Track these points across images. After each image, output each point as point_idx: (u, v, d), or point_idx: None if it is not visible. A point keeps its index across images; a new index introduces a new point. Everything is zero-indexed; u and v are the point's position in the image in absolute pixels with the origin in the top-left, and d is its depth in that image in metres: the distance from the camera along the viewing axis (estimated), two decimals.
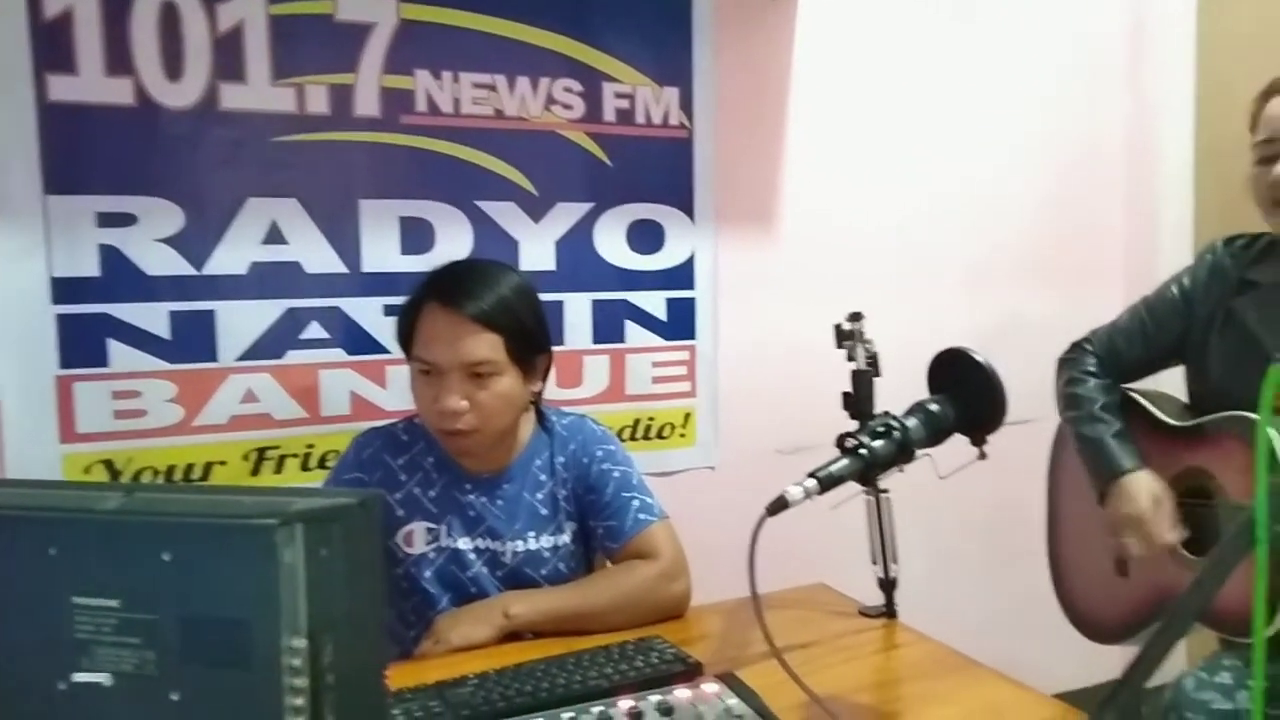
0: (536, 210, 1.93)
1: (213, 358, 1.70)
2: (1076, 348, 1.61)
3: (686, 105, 2.04)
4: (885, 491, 1.41)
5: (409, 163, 1.82)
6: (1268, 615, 1.22)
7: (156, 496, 0.79)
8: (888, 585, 1.41)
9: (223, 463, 1.72)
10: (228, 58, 1.67)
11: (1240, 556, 0.74)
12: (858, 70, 2.25)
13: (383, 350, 1.80)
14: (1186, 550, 1.39)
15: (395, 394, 1.80)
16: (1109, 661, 2.50)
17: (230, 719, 0.70)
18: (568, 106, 1.94)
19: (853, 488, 1.10)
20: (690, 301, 2.10)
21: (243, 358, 1.72)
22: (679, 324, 2.09)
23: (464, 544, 1.43)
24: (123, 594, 0.70)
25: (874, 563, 1.42)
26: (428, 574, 1.42)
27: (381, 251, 1.81)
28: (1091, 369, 1.54)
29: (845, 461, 1.00)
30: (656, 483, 2.06)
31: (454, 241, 1.85)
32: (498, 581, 1.44)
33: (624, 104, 1.99)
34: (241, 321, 1.72)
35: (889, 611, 1.41)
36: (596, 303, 2.00)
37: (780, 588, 1.55)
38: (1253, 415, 1.24)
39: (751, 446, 2.15)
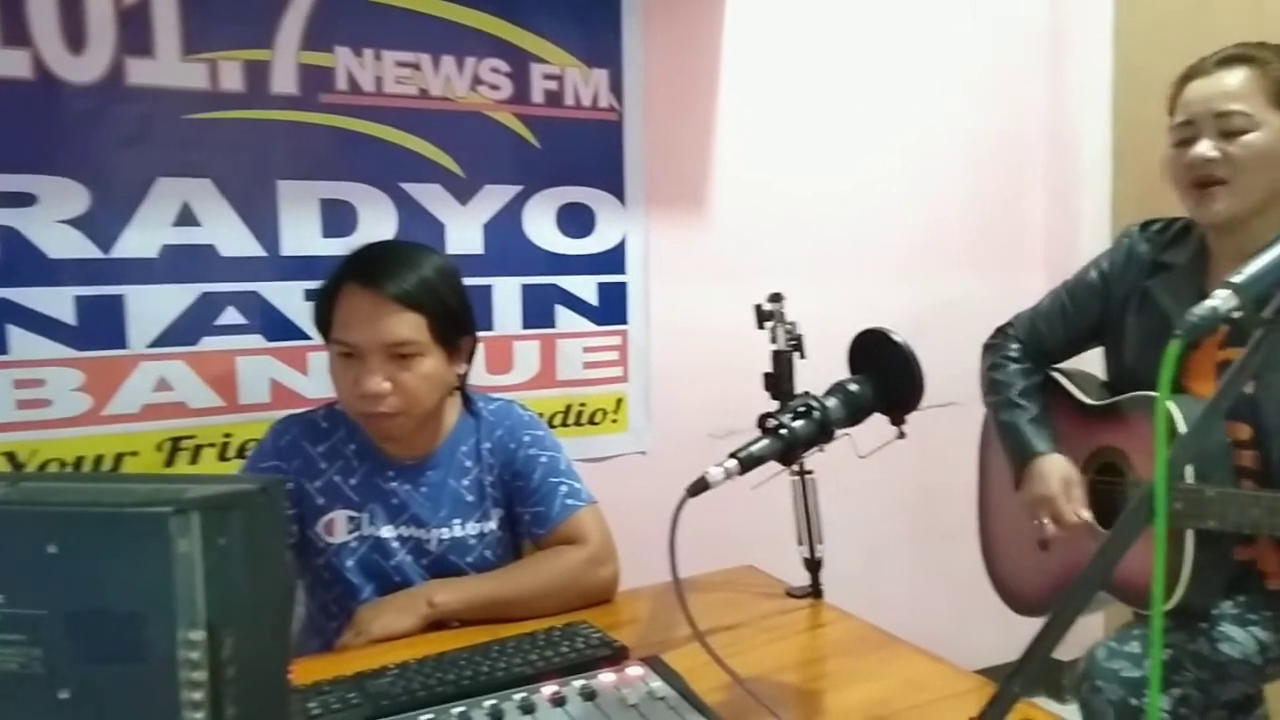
0: (463, 193, 1.89)
1: (122, 344, 1.64)
2: (1000, 332, 1.64)
3: (616, 87, 2.02)
4: (810, 473, 1.42)
5: (329, 143, 1.77)
6: (1166, 590, 1.27)
7: (43, 486, 0.76)
8: (813, 566, 1.43)
9: (134, 453, 1.66)
10: (134, 31, 1.60)
11: (1138, 530, 0.76)
12: (787, 54, 2.26)
13: (304, 336, 1.75)
14: (1103, 527, 1.43)
15: (317, 381, 1.75)
16: (1031, 635, 2.58)
17: (124, 716, 0.67)
18: (495, 87, 1.91)
19: (779, 468, 1.11)
20: (622, 286, 2.09)
21: (155, 344, 1.66)
22: (610, 309, 2.08)
23: (387, 532, 1.40)
24: (4, 589, 0.66)
25: (800, 544, 1.43)
26: (349, 563, 1.39)
27: (301, 234, 1.76)
28: (1013, 353, 1.58)
29: (766, 442, 1.00)
30: (588, 468, 2.06)
31: (377, 224, 1.81)
32: (422, 570, 1.42)
33: (552, 85, 1.96)
34: (153, 306, 1.65)
35: (815, 592, 1.43)
36: (526, 287, 1.98)
37: (711, 570, 1.56)
38: (1158, 395, 1.29)
39: (684, 431, 2.16)
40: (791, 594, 1.44)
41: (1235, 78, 1.30)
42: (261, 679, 0.73)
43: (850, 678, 1.18)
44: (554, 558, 1.40)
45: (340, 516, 1.39)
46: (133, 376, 1.65)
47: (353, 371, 1.32)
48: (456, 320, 1.39)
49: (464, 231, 1.90)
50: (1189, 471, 1.24)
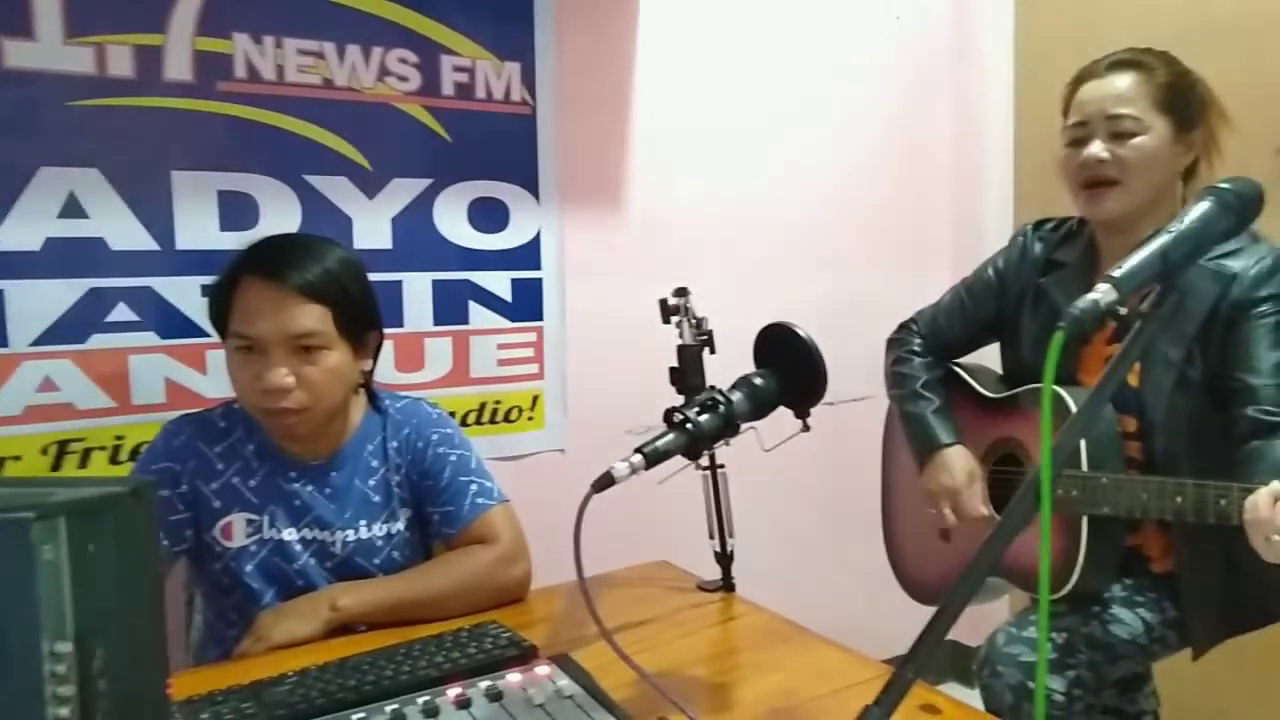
0: (370, 186, 1.85)
1: (2, 342, 1.55)
2: (903, 328, 1.68)
3: (529, 81, 2.00)
4: (721, 466, 1.43)
5: (228, 133, 1.70)
6: (1061, 576, 1.32)
7: None
8: (724, 559, 1.43)
9: (17, 458, 1.57)
10: (12, 11, 1.51)
11: (1025, 518, 0.78)
12: (701, 52, 2.27)
13: (201, 333, 1.68)
14: (998, 515, 1.48)
15: (216, 380, 1.68)
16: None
17: None
18: (403, 78, 1.86)
19: (686, 463, 1.11)
20: (536, 282, 2.07)
21: (38, 342, 1.57)
22: (525, 305, 2.06)
23: (289, 535, 1.36)
24: None
25: (711, 537, 1.44)
26: (249, 568, 1.34)
27: (198, 227, 1.69)
28: (916, 348, 1.62)
29: (671, 436, 1.00)
30: (504, 467, 2.04)
31: (280, 217, 1.75)
32: (327, 573, 1.38)
33: (463, 78, 1.93)
34: (36, 302, 1.57)
35: (726, 585, 1.43)
36: (437, 283, 1.94)
37: (627, 565, 1.56)
38: (1059, 389, 1.33)
39: (602, 428, 2.15)
40: (703, 588, 1.44)
41: (1125, 81, 1.35)
42: (137, 692, 0.69)
43: (759, 669, 1.19)
44: (464, 557, 1.37)
45: (239, 520, 1.34)
46: (14, 376, 1.56)
47: (253, 366, 1.28)
48: (362, 313, 1.36)
49: (372, 226, 1.85)
50: (1084, 461, 1.28)
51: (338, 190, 1.81)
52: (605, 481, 0.96)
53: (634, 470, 0.98)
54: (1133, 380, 1.34)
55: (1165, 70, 1.36)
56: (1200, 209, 0.86)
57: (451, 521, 1.40)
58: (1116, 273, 0.82)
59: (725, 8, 2.29)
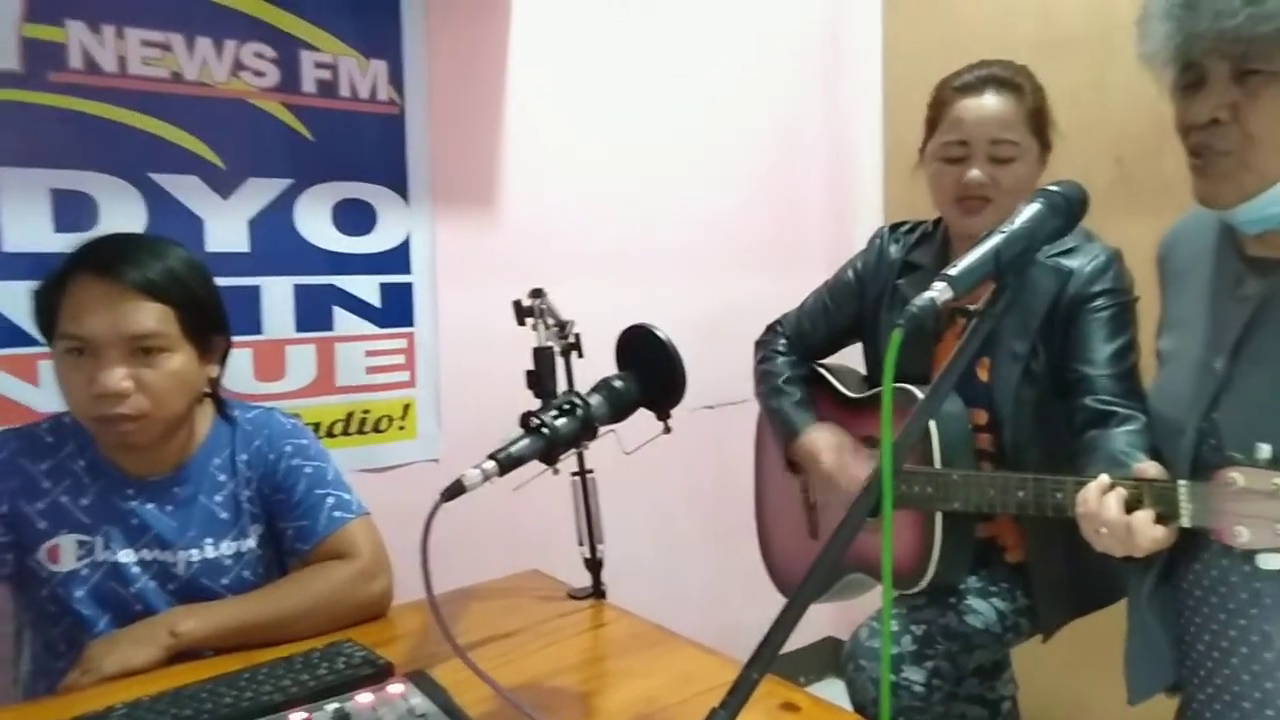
0: (224, 186, 1.75)
1: None
2: (770, 330, 1.70)
3: (397, 80, 1.94)
4: (590, 472, 1.41)
5: (62, 127, 1.58)
6: (918, 570, 1.35)
7: None
8: (594, 566, 1.41)
9: None
10: None
11: (865, 514, 0.79)
12: (575, 54, 2.25)
13: (32, 342, 1.55)
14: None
15: (51, 393, 1.56)
16: (817, 624, 2.70)
17: None
18: (259, 74, 1.78)
19: (550, 466, 1.09)
20: (407, 287, 2.01)
21: None
22: (395, 310, 1.99)
23: (125, 556, 1.27)
24: None
25: (580, 544, 1.41)
26: (79, 593, 1.25)
27: (28, 228, 1.56)
28: (781, 349, 1.64)
29: (527, 441, 0.98)
30: (374, 479, 1.97)
31: (122, 217, 1.64)
32: (169, 596, 1.29)
33: (325, 75, 1.85)
34: None
35: (596, 592, 1.41)
36: (300, 288, 1.86)
37: (499, 575, 1.53)
38: (910, 386, 1.37)
39: (479, 437, 2.05)
40: (573, 596, 1.42)
41: (1004, 104, 1.39)
42: None
43: (623, 676, 1.18)
44: (318, 574, 1.31)
45: (67, 542, 1.24)
46: None
47: (85, 370, 1.19)
48: (208, 314, 1.28)
49: (226, 227, 1.76)
50: (936, 456, 1.32)
51: (187, 190, 1.71)
52: (455, 490, 0.93)
53: (487, 477, 0.95)
54: (983, 375, 1.38)
55: (1033, 94, 1.41)
56: (1031, 210, 0.90)
57: (306, 537, 1.34)
58: (952, 271, 0.84)
59: (598, 14, 2.28)
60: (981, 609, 1.38)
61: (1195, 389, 1.07)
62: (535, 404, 1.32)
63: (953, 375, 0.86)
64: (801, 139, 2.72)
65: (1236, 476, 0.91)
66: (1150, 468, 1.06)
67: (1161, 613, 1.14)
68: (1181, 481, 0.98)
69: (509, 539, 2.05)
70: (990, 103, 1.39)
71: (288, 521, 1.35)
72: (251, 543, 1.34)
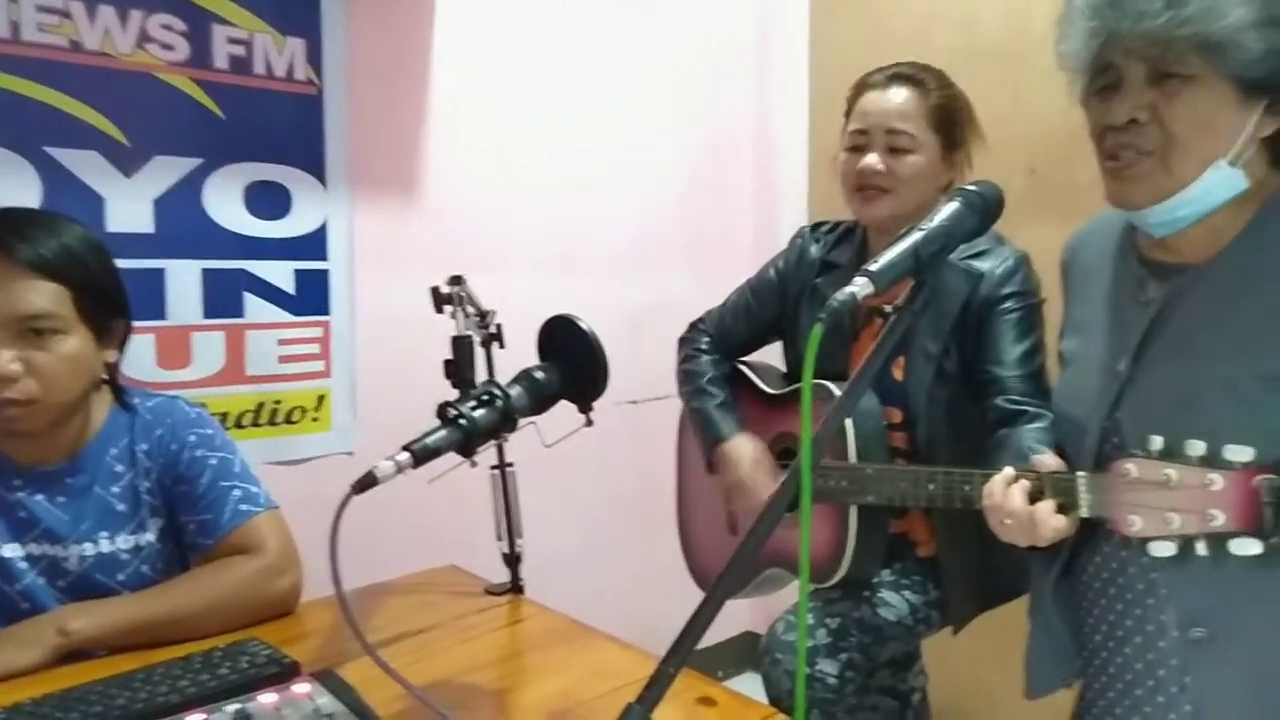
0: (128, 163, 1.67)
1: None
2: (693, 327, 1.71)
3: (315, 59, 1.88)
4: (510, 465, 1.38)
5: None
6: (833, 564, 1.37)
7: None
8: (513, 561, 1.39)
9: None
10: None
11: (783, 508, 0.79)
12: (502, 42, 2.21)
13: None
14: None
15: None
16: (736, 618, 2.73)
17: None
18: (168, 47, 1.70)
19: (468, 459, 1.06)
20: (323, 273, 1.95)
21: None
22: (310, 297, 1.93)
23: (11, 551, 1.20)
24: None
25: (499, 539, 1.39)
26: None
27: None
28: (704, 347, 1.65)
29: (443, 432, 0.95)
30: (285, 472, 1.91)
31: (14, 192, 1.55)
32: (59, 593, 1.22)
33: (239, 51, 1.78)
34: None
35: (515, 587, 1.39)
36: (208, 272, 1.79)
37: (417, 570, 1.49)
38: (828, 383, 1.38)
39: (396, 429, 1.99)
40: (491, 591, 1.40)
41: (904, 97, 1.43)
42: None
43: (539, 672, 1.16)
44: (222, 570, 1.25)
45: None
46: None
47: None
48: (106, 296, 1.22)
49: (129, 207, 1.68)
50: (852, 451, 1.34)
51: (87, 166, 1.63)
52: (367, 482, 0.90)
53: (400, 469, 0.92)
54: (898, 374, 1.41)
55: (939, 91, 1.44)
56: (948, 209, 0.91)
57: (209, 531, 1.28)
58: (873, 267, 0.85)
59: (527, 16, 2.25)
60: (894, 602, 1.41)
61: (1099, 389, 1.10)
62: (455, 395, 1.30)
63: (870, 371, 0.86)
64: (729, 138, 2.73)
65: (1130, 468, 0.94)
66: (1051, 460, 1.09)
67: (1063, 606, 1.18)
68: (1080, 473, 1.01)
69: (426, 534, 2.01)
70: (892, 95, 1.43)
71: (190, 515, 1.29)
72: (150, 536, 1.28)
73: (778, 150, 2.74)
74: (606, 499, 2.50)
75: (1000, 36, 2.20)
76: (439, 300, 1.28)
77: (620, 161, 2.46)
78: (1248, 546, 0.87)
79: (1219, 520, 0.87)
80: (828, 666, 1.33)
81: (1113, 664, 1.12)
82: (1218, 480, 0.87)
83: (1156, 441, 0.92)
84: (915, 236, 0.88)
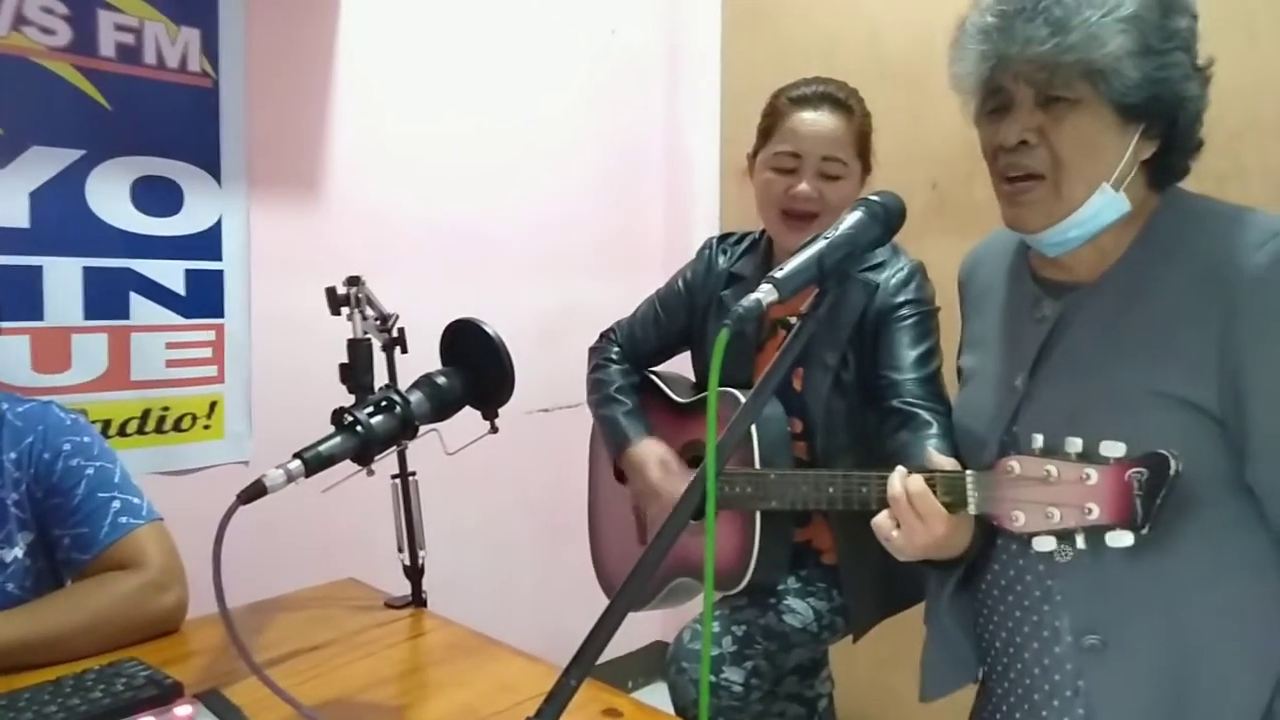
0: (1, 152, 1.56)
1: None
2: (603, 337, 1.70)
3: (211, 51, 1.80)
4: (413, 474, 1.34)
5: None
6: (738, 571, 1.37)
7: None
8: (414, 573, 1.35)
9: None
10: None
11: (688, 516, 0.78)
12: (411, 41, 2.17)
13: None
14: (690, 516, 1.51)
15: None
16: (646, 628, 2.72)
17: None
18: (48, 31, 1.60)
19: (364, 467, 1.02)
20: (217, 274, 1.86)
21: None
22: (202, 299, 1.84)
23: None
24: None
25: (400, 550, 1.35)
26: None
27: None
28: (613, 356, 1.63)
29: (338, 439, 0.92)
30: (175, 482, 1.82)
31: None
32: None
33: (127, 39, 1.69)
34: None
35: (416, 600, 1.35)
36: (90, 270, 1.69)
37: (314, 584, 1.44)
38: (735, 391, 1.39)
39: (294, 437, 1.91)
40: (391, 605, 1.35)
41: (838, 123, 1.43)
42: None
43: (439, 688, 1.13)
44: (99, 587, 1.18)
45: None
46: None
47: None
48: None
49: (2, 199, 1.57)
50: (757, 458, 1.34)
51: None
52: (255, 491, 0.86)
53: (291, 478, 0.88)
54: (797, 385, 1.43)
55: (861, 117, 1.46)
56: (852, 218, 0.92)
57: (86, 545, 1.20)
58: (778, 274, 0.85)
59: (436, 13, 2.21)
60: (799, 608, 1.42)
61: (997, 404, 1.13)
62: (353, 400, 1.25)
63: (775, 377, 0.87)
64: (641, 145, 2.74)
65: (1014, 465, 0.97)
66: (942, 460, 1.10)
67: (959, 616, 1.20)
68: (969, 471, 1.03)
69: (326, 546, 1.94)
70: (825, 119, 1.43)
71: (65, 528, 1.21)
72: (18, 552, 1.20)
73: (690, 159, 2.76)
74: (518, 508, 2.46)
75: (904, 54, 2.26)
76: (335, 302, 1.24)
77: (531, 165, 2.44)
78: (1121, 539, 0.89)
79: (1095, 514, 0.90)
80: (733, 674, 1.33)
81: (1012, 669, 1.14)
82: (1093, 474, 0.90)
83: (1038, 439, 0.95)
84: (820, 245, 0.89)
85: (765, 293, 0.83)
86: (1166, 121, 1.01)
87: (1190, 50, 1.01)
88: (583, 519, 1.80)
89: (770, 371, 0.86)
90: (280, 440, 1.94)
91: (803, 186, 1.42)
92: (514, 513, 2.46)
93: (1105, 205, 1.02)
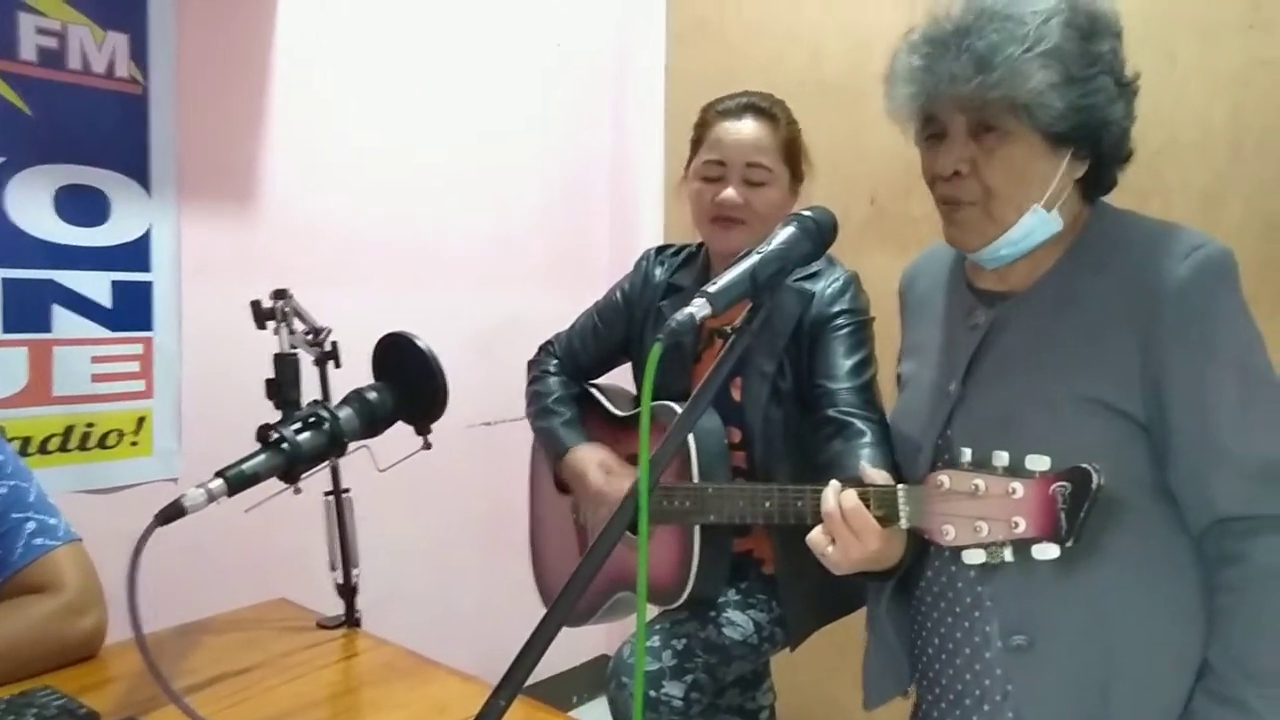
0: None
1: None
2: (542, 349, 1.68)
3: (140, 56, 1.75)
4: (346, 491, 1.31)
5: None
6: (678, 584, 1.37)
7: None
8: (348, 592, 1.32)
9: None
10: None
11: (622, 529, 0.78)
12: (350, 41, 2.13)
13: None
14: (630, 530, 1.50)
15: None
16: (590, 643, 2.70)
17: None
18: None
19: (291, 485, 1.00)
20: (145, 285, 1.81)
21: None
22: (130, 312, 1.78)
23: None
24: None
25: (333, 569, 1.32)
26: None
27: None
28: (552, 369, 1.62)
29: (263, 456, 0.89)
30: (100, 501, 1.75)
31: None
32: None
33: (50, 43, 1.64)
34: None
35: (350, 620, 1.32)
36: (9, 282, 1.62)
37: (241, 606, 1.39)
38: (673, 404, 1.39)
39: (225, 454, 1.88)
40: (323, 625, 1.32)
41: (761, 131, 1.45)
42: None
43: (371, 710, 1.10)
44: (12, 611, 1.13)
45: None
46: None
47: None
48: None
49: None
50: (695, 471, 1.34)
51: None
52: (173, 512, 0.83)
53: (213, 498, 0.86)
54: (735, 394, 1.43)
55: (787, 125, 1.48)
56: (784, 234, 0.93)
57: None
58: (711, 289, 0.85)
59: (378, 20, 2.18)
60: (739, 621, 1.42)
61: (932, 409, 1.15)
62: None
63: (710, 389, 0.87)
64: (587, 158, 2.74)
65: (944, 479, 0.98)
66: (875, 474, 1.11)
67: (897, 621, 1.21)
68: (900, 485, 1.04)
69: (259, 565, 1.88)
70: (748, 127, 1.45)
71: None
72: None
73: (635, 172, 2.76)
74: (459, 524, 2.43)
75: (844, 72, 2.29)
76: (260, 315, 1.20)
77: (472, 175, 2.41)
78: (1047, 551, 0.91)
79: (1021, 527, 0.91)
80: (673, 689, 1.32)
81: (945, 675, 1.16)
82: (1019, 488, 0.92)
83: (966, 453, 0.97)
84: (752, 260, 0.90)
85: (699, 307, 0.83)
86: (1093, 143, 1.05)
87: (1114, 71, 1.04)
88: (522, 533, 1.79)
89: (705, 384, 0.86)
90: (212, 457, 1.87)
91: (728, 192, 1.43)
92: (454, 528, 2.42)
93: (1037, 225, 1.05)
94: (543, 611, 1.63)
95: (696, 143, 1.51)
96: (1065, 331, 1.06)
